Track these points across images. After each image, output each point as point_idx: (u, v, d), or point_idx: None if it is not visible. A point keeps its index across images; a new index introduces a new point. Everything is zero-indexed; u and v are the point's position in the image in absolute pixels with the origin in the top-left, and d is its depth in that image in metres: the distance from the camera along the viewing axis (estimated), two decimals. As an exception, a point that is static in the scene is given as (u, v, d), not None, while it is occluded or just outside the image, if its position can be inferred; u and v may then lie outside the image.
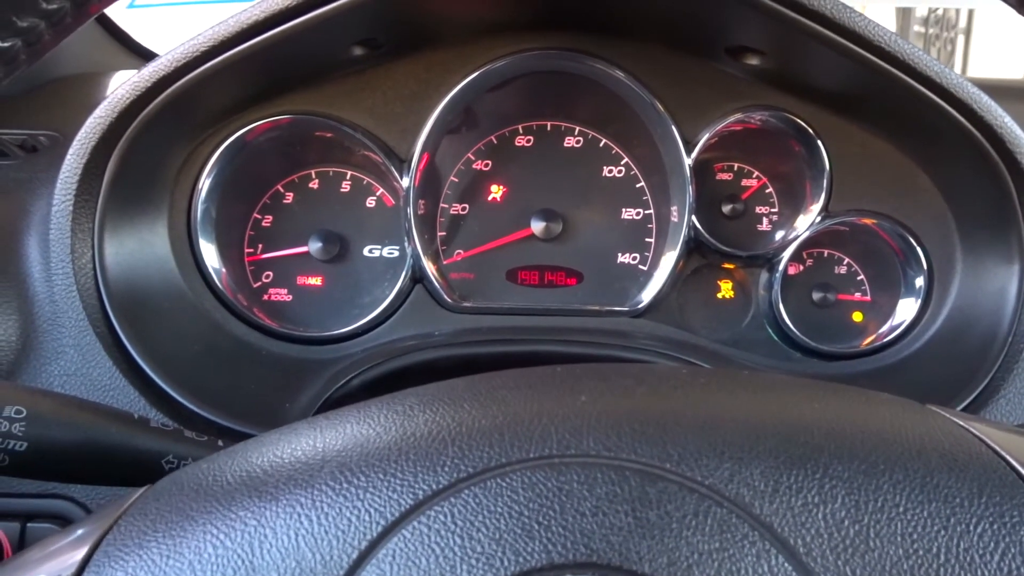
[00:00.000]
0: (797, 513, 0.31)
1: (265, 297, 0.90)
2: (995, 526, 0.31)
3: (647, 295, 0.88)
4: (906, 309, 0.86)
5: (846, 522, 0.31)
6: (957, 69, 4.66)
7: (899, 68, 0.71)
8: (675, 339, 0.87)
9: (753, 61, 0.80)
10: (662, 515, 0.30)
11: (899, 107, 0.77)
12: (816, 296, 0.90)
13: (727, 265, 0.91)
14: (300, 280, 0.91)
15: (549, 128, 0.92)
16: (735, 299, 0.91)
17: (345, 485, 0.32)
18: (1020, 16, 0.46)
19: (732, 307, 0.91)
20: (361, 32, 0.77)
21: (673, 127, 0.85)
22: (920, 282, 0.85)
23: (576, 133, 0.92)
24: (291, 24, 0.69)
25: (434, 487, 0.31)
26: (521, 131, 0.92)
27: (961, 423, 0.37)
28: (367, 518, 0.30)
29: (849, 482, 0.32)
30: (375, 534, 0.30)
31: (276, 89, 0.82)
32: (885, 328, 0.87)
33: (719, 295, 0.92)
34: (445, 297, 0.87)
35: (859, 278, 0.91)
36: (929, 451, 0.35)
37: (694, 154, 0.85)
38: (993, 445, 0.35)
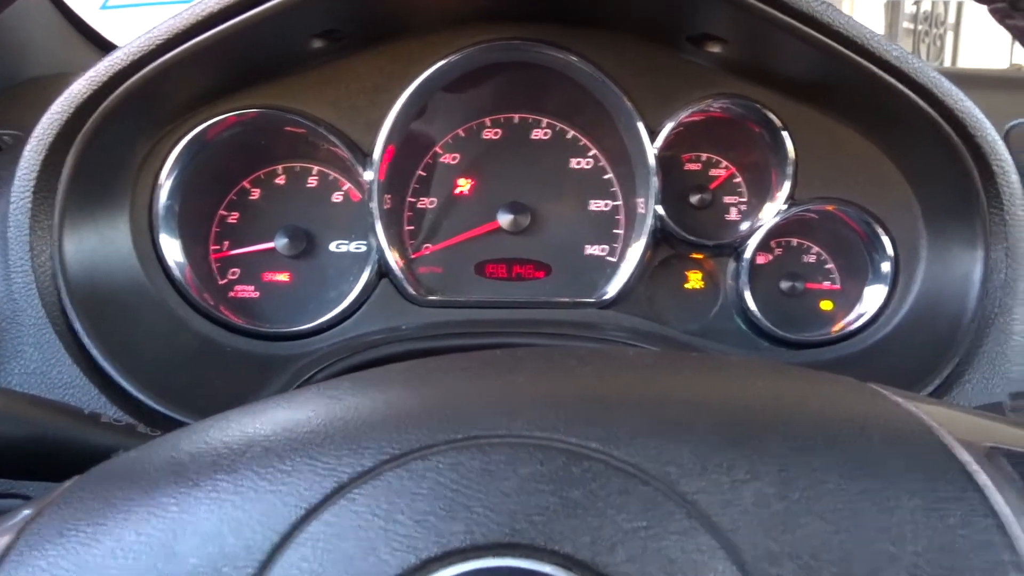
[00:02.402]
0: (725, 491, 0.30)
1: (231, 294, 0.90)
2: (925, 501, 0.31)
3: (614, 286, 0.87)
4: (874, 296, 0.86)
5: (774, 499, 0.30)
6: (947, 64, 4.68)
7: (859, 54, 0.71)
8: (643, 330, 0.87)
9: (715, 49, 0.80)
10: (586, 494, 0.30)
11: (862, 94, 0.77)
12: (785, 285, 0.90)
13: (696, 255, 0.91)
14: (267, 276, 0.90)
15: (517, 120, 0.92)
16: (704, 289, 0.91)
17: (269, 469, 0.31)
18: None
19: (701, 297, 0.91)
20: (321, 23, 0.76)
21: (637, 118, 0.85)
22: (887, 268, 0.85)
23: (544, 125, 0.92)
24: (247, 15, 0.69)
25: (358, 469, 0.31)
26: (489, 124, 0.92)
27: (899, 400, 0.37)
28: (290, 501, 0.30)
29: (780, 459, 0.32)
30: (297, 517, 0.30)
31: (238, 83, 0.82)
32: (853, 315, 0.87)
33: (688, 285, 0.91)
34: (411, 291, 0.87)
35: (828, 267, 0.91)
36: (863, 428, 0.34)
37: (658, 144, 0.85)
38: (929, 422, 0.35)
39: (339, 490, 0.30)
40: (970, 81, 0.97)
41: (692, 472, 0.31)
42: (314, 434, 0.32)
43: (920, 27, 4.64)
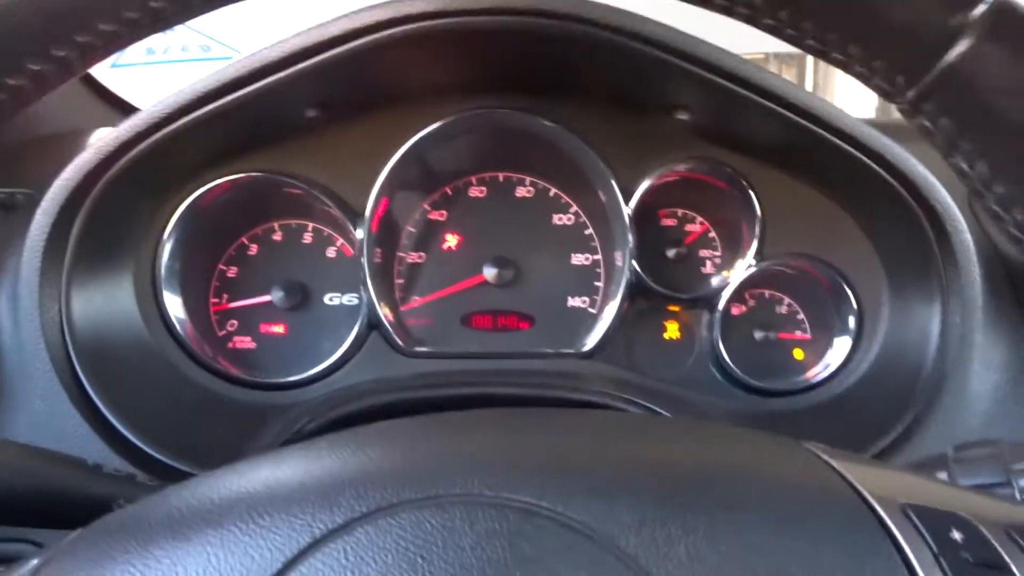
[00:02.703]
0: (660, 545, 0.34)
1: (230, 345, 0.94)
2: (842, 554, 0.34)
3: (593, 337, 0.91)
4: (841, 347, 0.90)
5: (705, 553, 0.34)
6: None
7: (814, 123, 0.76)
8: (622, 379, 0.91)
9: (682, 116, 0.85)
10: (537, 549, 0.33)
11: (821, 158, 0.82)
12: (758, 335, 0.94)
13: (672, 307, 0.95)
14: (264, 328, 0.94)
15: (501, 179, 0.97)
16: (681, 340, 0.95)
17: (252, 525, 0.35)
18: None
19: (678, 347, 0.95)
20: (313, 96, 0.82)
21: (612, 179, 0.90)
22: (852, 321, 0.89)
23: (527, 183, 0.96)
24: (244, 92, 0.74)
25: (330, 525, 0.34)
26: (475, 182, 0.96)
27: (825, 458, 0.41)
28: (268, 555, 0.34)
29: (711, 516, 0.35)
30: (275, 570, 0.33)
31: (237, 150, 0.87)
32: (820, 365, 0.91)
33: (666, 336, 0.95)
34: (399, 342, 0.91)
35: (799, 317, 0.95)
36: (788, 486, 0.38)
37: (632, 203, 0.90)
38: (851, 480, 0.39)
39: (313, 544, 0.34)
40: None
41: (631, 528, 0.34)
42: (293, 492, 0.36)
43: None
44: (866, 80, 0.40)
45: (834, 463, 0.40)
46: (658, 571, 0.33)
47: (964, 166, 0.39)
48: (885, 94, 0.40)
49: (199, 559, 0.34)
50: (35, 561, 0.38)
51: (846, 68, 0.40)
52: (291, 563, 0.33)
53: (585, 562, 0.33)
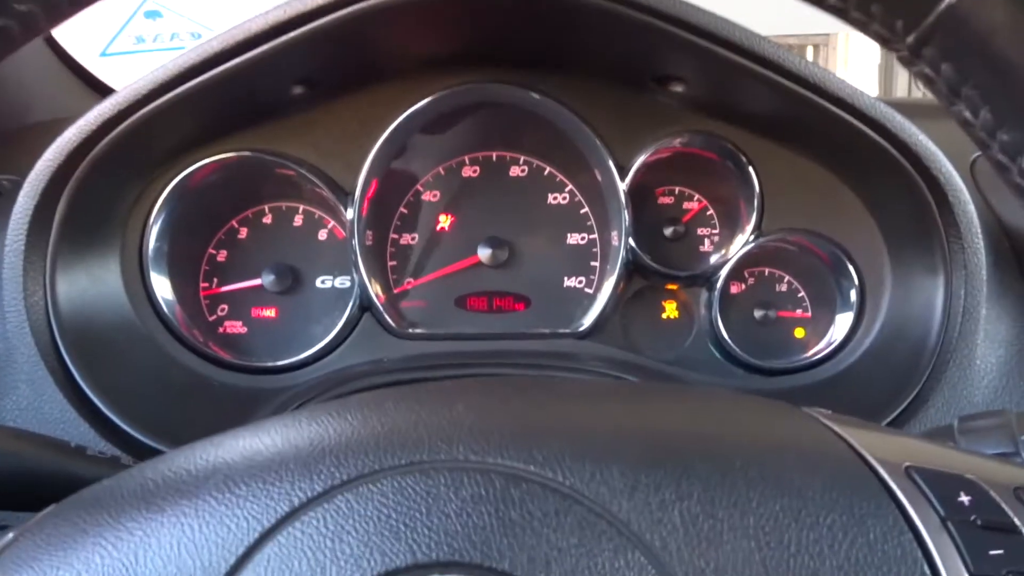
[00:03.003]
0: (654, 510, 0.32)
1: (220, 330, 0.92)
2: (844, 517, 0.33)
3: (590, 317, 0.90)
4: (843, 324, 0.89)
5: (700, 517, 0.32)
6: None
7: (812, 91, 0.74)
8: (619, 359, 0.89)
9: (678, 88, 0.83)
10: (524, 515, 0.32)
11: (821, 129, 0.80)
12: (758, 314, 0.92)
13: (670, 286, 0.93)
14: (255, 312, 0.93)
15: (495, 158, 0.95)
16: (679, 319, 0.94)
17: (227, 494, 0.33)
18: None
19: (676, 327, 0.93)
20: (296, 72, 0.80)
21: (607, 155, 0.88)
22: (853, 296, 0.88)
23: (521, 163, 0.95)
24: (227, 66, 0.73)
25: (309, 494, 0.33)
26: (468, 162, 0.95)
27: (824, 421, 0.39)
28: (245, 525, 0.32)
29: (705, 480, 0.34)
30: (252, 540, 0.32)
31: (223, 128, 0.85)
32: (823, 343, 0.90)
33: (664, 315, 0.94)
34: (392, 324, 0.89)
35: (799, 295, 0.93)
36: (787, 449, 0.37)
37: (628, 180, 0.88)
38: (852, 442, 0.37)
39: (292, 513, 0.32)
40: (943, 112, 1.00)
41: (623, 492, 0.33)
42: (271, 461, 0.35)
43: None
44: (864, 27, 0.38)
45: (834, 426, 0.39)
46: (651, 537, 0.32)
47: (967, 114, 0.37)
48: (884, 41, 0.38)
49: (172, 530, 0.33)
50: (9, 536, 0.36)
51: (843, 15, 0.39)
52: (268, 532, 0.32)
53: (575, 527, 0.32)
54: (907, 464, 0.36)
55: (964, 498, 0.34)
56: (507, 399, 0.39)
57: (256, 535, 0.32)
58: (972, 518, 0.33)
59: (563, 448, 0.34)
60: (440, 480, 0.33)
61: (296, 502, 0.33)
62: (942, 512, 0.33)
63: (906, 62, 0.39)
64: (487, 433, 0.35)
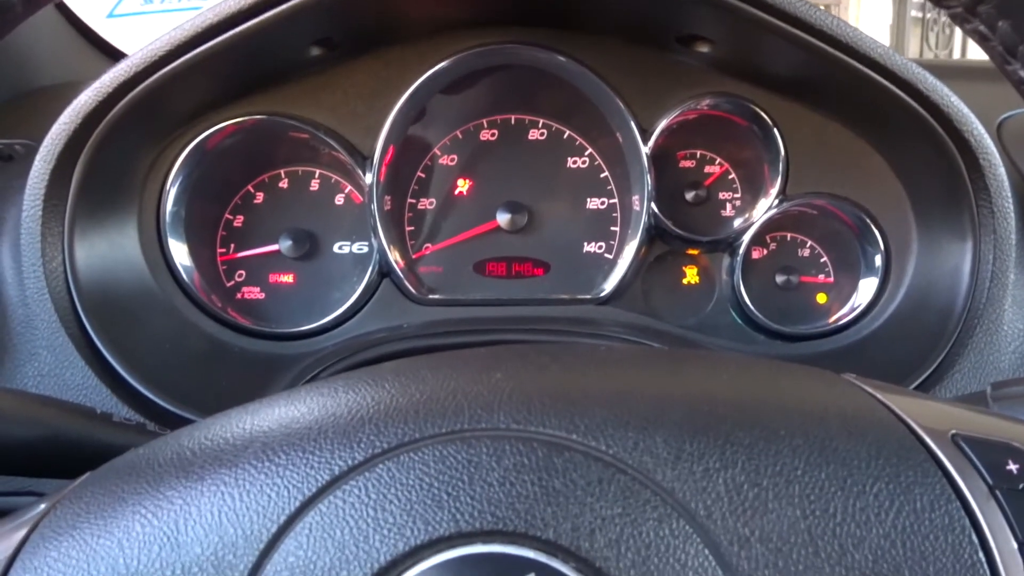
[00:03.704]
0: (698, 479, 0.32)
1: (238, 296, 0.92)
2: (890, 486, 0.32)
3: (611, 283, 0.89)
4: (867, 288, 0.88)
5: (745, 486, 0.32)
6: (956, 53, 4.66)
7: (843, 52, 0.72)
8: (639, 325, 0.89)
9: (703, 49, 0.81)
10: (567, 483, 0.32)
11: (849, 90, 0.78)
12: (780, 279, 0.91)
13: (691, 251, 0.92)
14: (272, 278, 0.92)
15: (513, 122, 0.93)
16: (700, 284, 0.93)
17: (267, 463, 0.33)
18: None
19: (697, 292, 0.93)
20: (316, 32, 0.78)
21: (630, 117, 0.86)
22: (879, 261, 0.86)
23: (540, 126, 0.93)
24: (246, 26, 0.71)
25: (350, 463, 0.32)
26: (486, 125, 0.93)
27: (868, 389, 0.39)
28: (286, 494, 0.32)
29: (749, 448, 0.33)
30: (293, 508, 0.32)
31: (240, 91, 0.84)
32: (847, 308, 0.89)
33: (684, 281, 0.93)
34: (412, 290, 0.89)
35: (822, 260, 0.92)
36: (831, 417, 0.36)
37: (651, 143, 0.87)
38: (897, 410, 0.37)
39: (333, 482, 0.32)
40: (965, 73, 0.98)
41: (667, 461, 0.32)
42: (309, 429, 0.34)
43: (929, 15, 4.61)
44: None
45: (878, 394, 0.38)
46: (696, 505, 0.31)
47: None
48: None
49: (212, 499, 0.32)
50: (43, 505, 0.36)
51: None
52: (309, 502, 0.32)
53: (619, 496, 0.31)
54: (953, 432, 0.35)
55: (1012, 466, 0.34)
56: (544, 367, 0.39)
57: (297, 503, 0.32)
58: (1021, 487, 0.33)
59: (605, 416, 0.34)
60: (482, 449, 0.32)
61: (337, 471, 0.32)
62: (990, 480, 0.33)
63: (959, 19, 0.37)
64: (527, 401, 0.34)
